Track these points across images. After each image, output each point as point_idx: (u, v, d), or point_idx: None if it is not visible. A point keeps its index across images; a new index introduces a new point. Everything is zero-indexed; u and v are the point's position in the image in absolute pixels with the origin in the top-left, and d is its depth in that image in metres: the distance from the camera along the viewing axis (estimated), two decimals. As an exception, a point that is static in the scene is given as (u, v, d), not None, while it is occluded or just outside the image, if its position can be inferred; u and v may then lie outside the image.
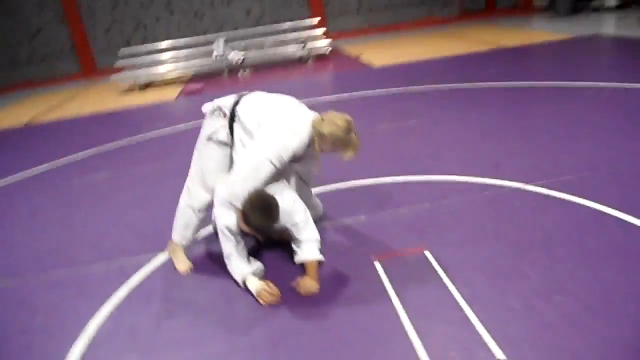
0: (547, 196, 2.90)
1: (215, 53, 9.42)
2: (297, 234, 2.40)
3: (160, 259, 2.84)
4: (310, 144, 2.43)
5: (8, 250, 3.32)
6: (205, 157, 2.60)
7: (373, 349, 1.94)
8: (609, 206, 2.67)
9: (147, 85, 9.91)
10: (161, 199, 3.63)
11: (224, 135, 2.53)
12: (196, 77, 9.99)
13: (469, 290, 2.17)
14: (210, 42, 9.81)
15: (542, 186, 3.02)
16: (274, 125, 2.42)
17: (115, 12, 13.18)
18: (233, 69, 9.60)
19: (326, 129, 2.36)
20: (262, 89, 2.74)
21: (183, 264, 2.71)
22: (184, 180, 2.71)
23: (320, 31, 10.50)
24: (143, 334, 2.24)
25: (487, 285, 2.20)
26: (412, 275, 2.36)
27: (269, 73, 9.44)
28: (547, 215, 2.72)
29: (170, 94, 8.71)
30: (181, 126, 5.92)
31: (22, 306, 2.61)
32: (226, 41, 9.63)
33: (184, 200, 2.71)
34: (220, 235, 2.44)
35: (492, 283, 2.22)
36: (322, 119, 2.42)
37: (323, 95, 6.51)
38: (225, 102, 2.57)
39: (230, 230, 2.36)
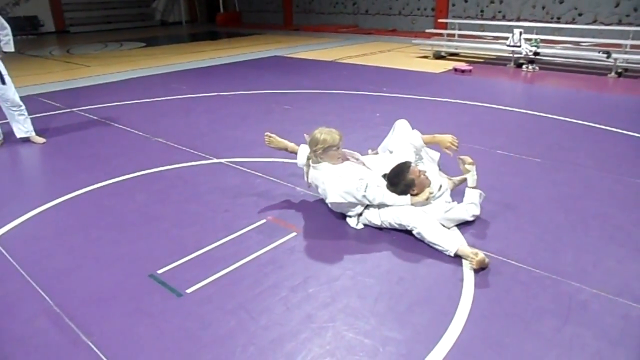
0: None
1: (508, 42, 9.26)
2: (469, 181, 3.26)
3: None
4: None
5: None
6: None
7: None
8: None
9: (442, 57, 10.62)
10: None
11: None
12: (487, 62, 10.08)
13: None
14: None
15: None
16: None
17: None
18: (523, 62, 9.26)
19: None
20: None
21: None
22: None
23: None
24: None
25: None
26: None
27: (561, 77, 8.55)
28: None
29: (441, 67, 9.32)
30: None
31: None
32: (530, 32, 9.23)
33: None
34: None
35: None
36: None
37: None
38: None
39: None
